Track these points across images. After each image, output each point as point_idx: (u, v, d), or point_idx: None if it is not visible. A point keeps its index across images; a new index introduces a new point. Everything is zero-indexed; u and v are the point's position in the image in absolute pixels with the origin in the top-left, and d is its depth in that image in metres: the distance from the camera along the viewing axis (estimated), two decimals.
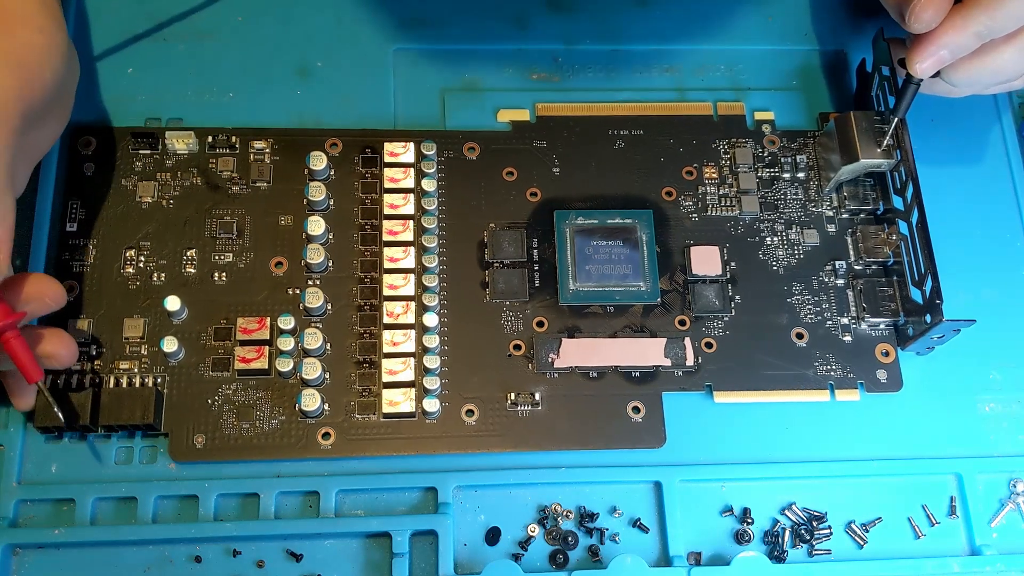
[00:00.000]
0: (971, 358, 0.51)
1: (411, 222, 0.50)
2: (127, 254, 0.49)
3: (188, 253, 0.49)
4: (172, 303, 0.47)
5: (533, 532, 0.46)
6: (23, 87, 0.42)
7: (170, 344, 0.46)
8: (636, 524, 0.47)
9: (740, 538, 0.47)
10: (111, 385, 0.46)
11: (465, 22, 0.56)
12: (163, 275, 0.49)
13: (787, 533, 0.47)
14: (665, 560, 0.46)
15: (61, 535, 0.45)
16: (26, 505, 0.46)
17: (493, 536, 0.46)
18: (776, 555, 0.47)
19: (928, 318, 0.47)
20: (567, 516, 0.47)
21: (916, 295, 0.49)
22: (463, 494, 0.47)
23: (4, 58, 0.42)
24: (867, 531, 0.47)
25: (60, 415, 0.44)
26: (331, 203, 0.51)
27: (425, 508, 0.47)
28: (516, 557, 0.46)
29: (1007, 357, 0.51)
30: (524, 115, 0.54)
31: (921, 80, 0.48)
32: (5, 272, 0.40)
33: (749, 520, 0.47)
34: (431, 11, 0.56)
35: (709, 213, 0.52)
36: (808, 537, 0.47)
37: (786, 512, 0.48)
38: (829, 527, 0.47)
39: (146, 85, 0.54)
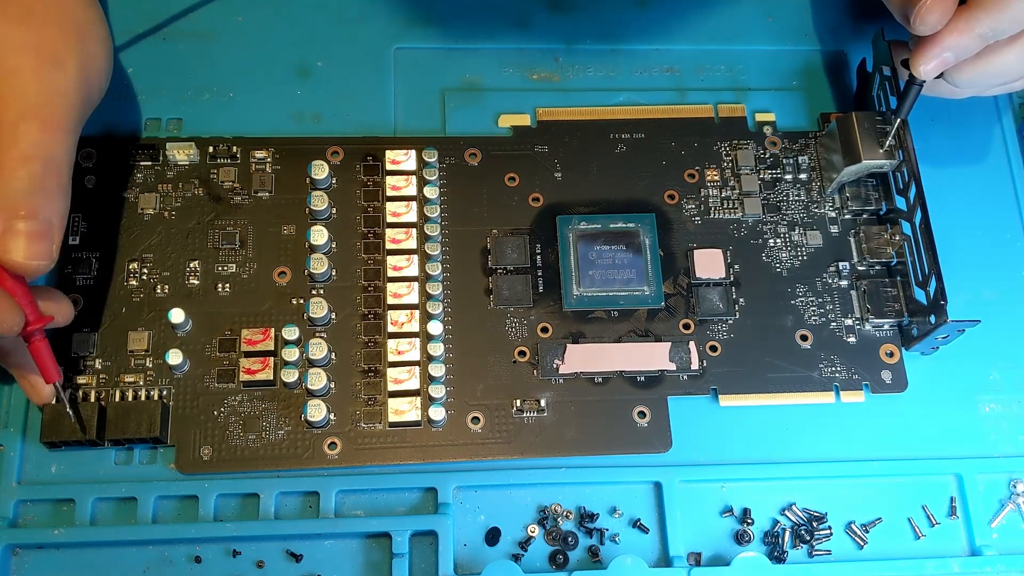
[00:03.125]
0: (971, 359, 0.51)
1: (414, 230, 0.50)
2: (130, 266, 0.49)
3: (191, 264, 0.49)
4: (176, 315, 0.47)
5: (533, 532, 0.47)
6: (88, 95, 0.46)
7: (175, 356, 0.46)
8: (636, 524, 0.47)
9: (740, 539, 0.47)
10: (117, 399, 0.46)
11: (465, 22, 0.56)
12: (166, 287, 0.49)
13: (787, 534, 0.47)
14: (665, 561, 0.47)
15: (61, 535, 0.45)
16: (26, 505, 0.46)
17: (493, 536, 0.47)
18: (776, 556, 0.47)
19: (932, 319, 0.47)
20: (567, 516, 0.47)
21: (920, 295, 0.49)
22: (463, 494, 0.47)
23: (78, 66, 0.45)
24: (867, 531, 0.48)
25: (72, 415, 0.45)
26: (333, 212, 0.51)
27: (425, 508, 0.47)
28: (516, 557, 0.46)
29: (1007, 358, 0.51)
30: (525, 120, 0.54)
31: (924, 81, 0.48)
32: (51, 264, 0.42)
33: (749, 521, 0.48)
34: (431, 11, 0.56)
35: (712, 216, 0.52)
36: (808, 538, 0.47)
37: (786, 512, 0.48)
38: (829, 527, 0.48)
39: (146, 85, 0.53)
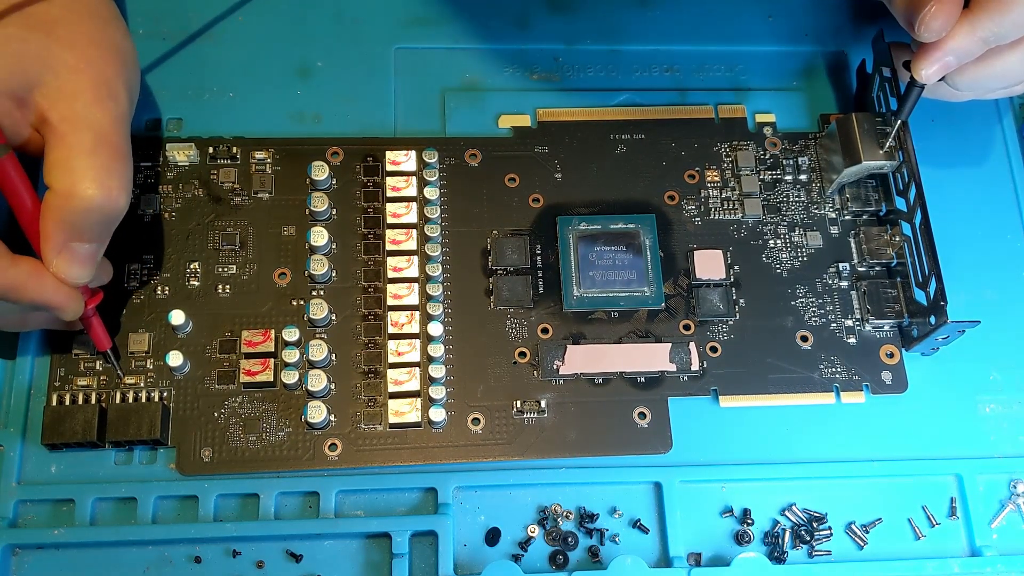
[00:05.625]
0: (971, 359, 0.51)
1: (414, 231, 0.50)
2: (130, 268, 0.49)
3: (191, 266, 0.49)
4: (176, 317, 0.47)
5: (533, 533, 0.47)
6: (130, 121, 0.46)
7: (175, 358, 0.46)
8: (636, 525, 0.47)
9: (740, 539, 0.47)
10: (117, 400, 0.46)
11: (465, 22, 0.56)
12: (167, 288, 0.49)
13: (787, 534, 0.47)
14: (665, 561, 0.47)
15: (61, 535, 0.45)
16: (26, 505, 0.46)
17: (493, 537, 0.47)
18: (776, 556, 0.47)
19: (932, 319, 0.47)
20: (567, 517, 0.47)
21: (920, 296, 0.49)
22: (463, 495, 0.47)
23: (126, 93, 0.45)
24: (867, 532, 0.48)
25: (121, 374, 0.47)
26: (333, 213, 0.51)
27: (425, 509, 0.47)
28: (516, 558, 0.46)
29: (1007, 358, 0.51)
30: (525, 120, 0.54)
31: (925, 84, 0.48)
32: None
33: (749, 521, 0.48)
34: (431, 11, 0.56)
35: (712, 217, 0.52)
36: (808, 538, 0.47)
37: (786, 513, 0.48)
38: (829, 528, 0.48)
39: (146, 85, 0.53)
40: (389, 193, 0.51)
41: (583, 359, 0.49)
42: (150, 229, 0.50)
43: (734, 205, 0.53)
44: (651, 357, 0.49)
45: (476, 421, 0.48)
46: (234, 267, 0.49)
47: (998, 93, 0.51)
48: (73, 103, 0.42)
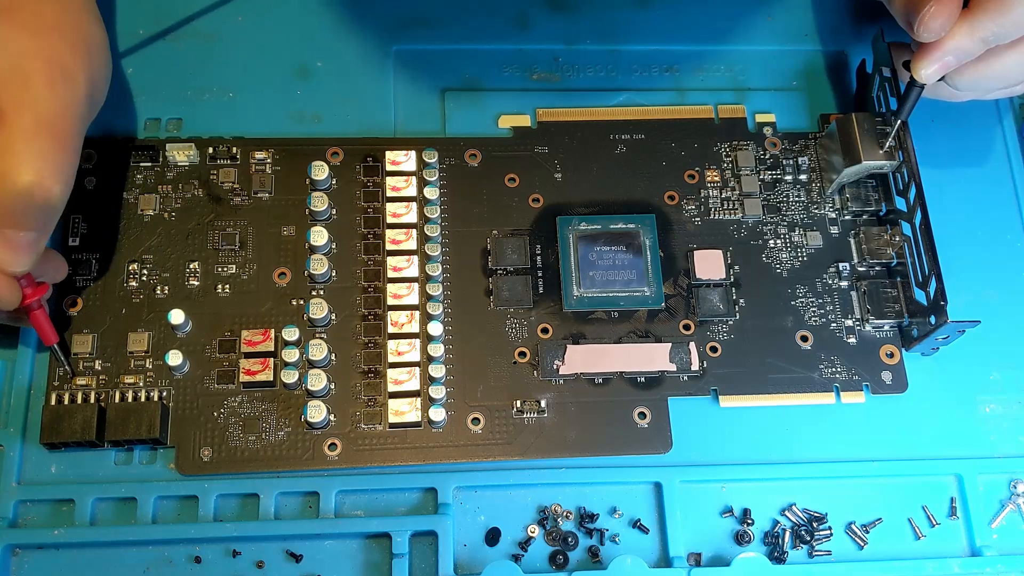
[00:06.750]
0: (972, 359, 0.51)
1: (414, 231, 0.50)
2: (130, 268, 0.49)
3: (191, 265, 0.49)
4: (176, 316, 0.47)
5: (533, 533, 0.47)
6: (91, 111, 0.45)
7: (175, 358, 0.46)
8: (636, 525, 0.47)
9: (740, 539, 0.47)
10: (117, 400, 0.46)
11: (465, 22, 0.56)
12: (166, 288, 0.49)
13: (787, 534, 0.47)
14: (665, 561, 0.47)
15: (61, 535, 0.45)
16: (26, 505, 0.46)
17: (493, 537, 0.47)
18: (776, 556, 0.47)
19: (932, 319, 0.47)
20: (567, 517, 0.47)
21: (920, 296, 0.49)
22: (463, 495, 0.47)
23: (86, 81, 0.44)
24: (867, 532, 0.48)
25: (70, 369, 0.47)
26: (333, 213, 0.51)
27: (425, 509, 0.47)
28: (516, 558, 0.46)
29: (1008, 358, 0.51)
30: (525, 120, 0.54)
31: (925, 84, 0.48)
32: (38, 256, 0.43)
33: (749, 521, 0.47)
34: (431, 11, 0.56)
35: (712, 217, 0.52)
36: (808, 538, 0.47)
37: (786, 513, 0.48)
38: (829, 528, 0.48)
39: (146, 85, 0.53)
40: (389, 193, 0.51)
41: (583, 359, 0.49)
42: (150, 229, 0.50)
43: (734, 205, 0.53)
44: (651, 357, 0.49)
45: (476, 421, 0.48)
46: (234, 267, 0.49)
47: (998, 93, 0.51)
48: (22, 87, 0.41)
